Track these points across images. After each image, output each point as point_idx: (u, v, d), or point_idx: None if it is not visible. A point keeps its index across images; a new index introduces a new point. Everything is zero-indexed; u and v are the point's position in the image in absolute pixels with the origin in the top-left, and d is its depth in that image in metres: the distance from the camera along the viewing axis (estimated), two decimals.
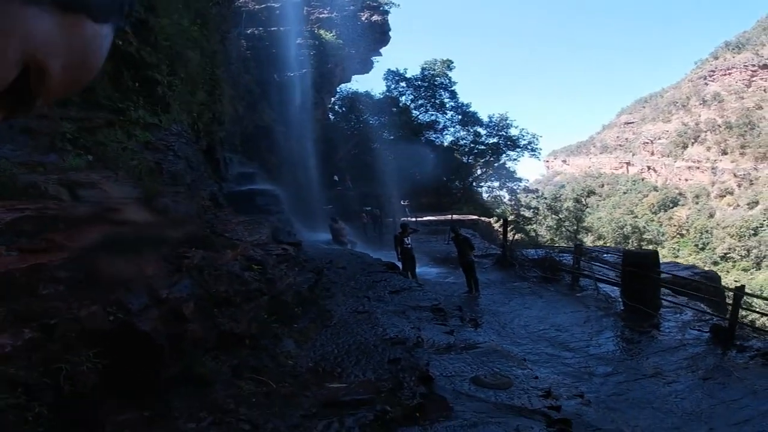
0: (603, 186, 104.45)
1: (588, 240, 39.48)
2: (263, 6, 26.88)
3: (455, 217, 24.60)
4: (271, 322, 5.84)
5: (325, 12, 29.20)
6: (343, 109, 33.75)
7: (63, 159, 6.26)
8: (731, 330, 7.35)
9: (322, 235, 17.78)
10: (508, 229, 17.14)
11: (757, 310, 8.53)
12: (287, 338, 5.79)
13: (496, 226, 25.52)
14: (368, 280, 10.94)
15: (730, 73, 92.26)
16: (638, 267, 8.62)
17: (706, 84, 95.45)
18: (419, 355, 5.87)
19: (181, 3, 11.31)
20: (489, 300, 10.26)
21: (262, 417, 3.48)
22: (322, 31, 28.09)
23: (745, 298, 7.95)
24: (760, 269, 58.16)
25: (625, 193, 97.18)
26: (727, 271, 51.42)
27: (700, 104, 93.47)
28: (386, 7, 31.91)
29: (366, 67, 33.60)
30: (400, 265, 12.10)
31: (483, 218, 25.64)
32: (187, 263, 4.98)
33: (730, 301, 7.77)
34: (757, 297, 9.47)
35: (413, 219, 23.12)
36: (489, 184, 35.71)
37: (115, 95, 8.22)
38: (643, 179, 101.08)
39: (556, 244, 22.93)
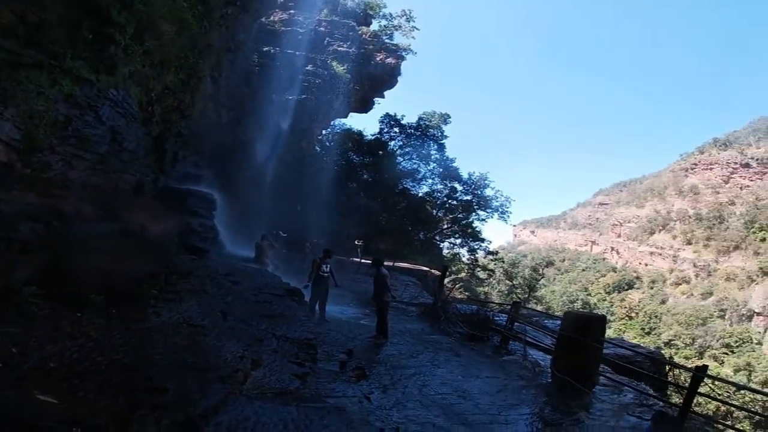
0: (564, 261, 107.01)
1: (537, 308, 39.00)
2: (289, 29, 27.11)
3: (406, 265, 23.64)
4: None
5: (344, 46, 29.29)
6: (331, 143, 33.54)
7: None
8: (681, 419, 5.62)
9: (249, 254, 15.87)
10: (446, 281, 16.05)
11: (718, 397, 6.73)
12: (46, 321, 4.26)
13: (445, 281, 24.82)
14: (250, 299, 9.26)
15: (711, 168, 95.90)
16: (578, 332, 6.83)
17: (686, 176, 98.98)
18: (215, 392, 4.01)
19: None
20: (395, 350, 8.39)
21: None
22: (334, 63, 27.87)
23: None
24: (702, 358, 57.53)
25: (584, 270, 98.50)
26: (670, 357, 50.75)
27: (676, 194, 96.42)
28: (403, 53, 32.38)
29: (366, 107, 33.99)
30: (307, 294, 10.28)
31: (433, 271, 24.15)
32: None
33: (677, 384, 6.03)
34: (722, 380, 7.73)
35: (358, 260, 21.97)
36: (452, 240, 34.87)
37: (61, 40, 7.46)
38: (604, 259, 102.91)
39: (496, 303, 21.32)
